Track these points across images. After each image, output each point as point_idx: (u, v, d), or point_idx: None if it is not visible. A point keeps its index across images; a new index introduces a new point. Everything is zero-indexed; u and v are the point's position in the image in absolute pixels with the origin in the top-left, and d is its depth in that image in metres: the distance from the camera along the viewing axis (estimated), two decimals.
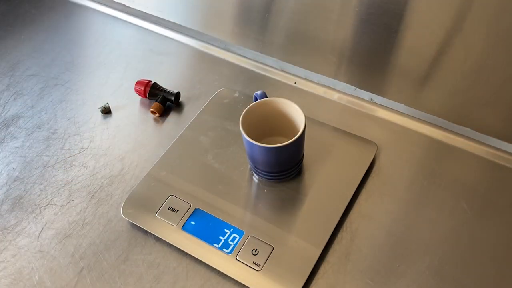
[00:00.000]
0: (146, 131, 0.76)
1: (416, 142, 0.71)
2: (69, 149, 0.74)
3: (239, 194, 0.65)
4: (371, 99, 0.76)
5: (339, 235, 0.62)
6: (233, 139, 0.71)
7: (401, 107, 0.73)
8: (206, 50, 0.87)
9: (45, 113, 0.79)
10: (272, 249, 0.60)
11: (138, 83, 0.79)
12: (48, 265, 0.62)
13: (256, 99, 0.66)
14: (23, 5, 0.99)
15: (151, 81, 0.79)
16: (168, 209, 0.64)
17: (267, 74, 0.82)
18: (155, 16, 0.91)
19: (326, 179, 0.66)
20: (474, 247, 0.60)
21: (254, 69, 0.83)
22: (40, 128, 0.77)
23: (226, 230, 0.61)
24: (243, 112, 0.62)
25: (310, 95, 0.78)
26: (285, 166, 0.63)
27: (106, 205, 0.67)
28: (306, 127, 0.60)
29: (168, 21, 0.90)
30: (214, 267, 0.59)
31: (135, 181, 0.69)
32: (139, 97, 0.80)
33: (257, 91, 0.67)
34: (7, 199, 0.69)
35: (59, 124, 0.78)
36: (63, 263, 0.62)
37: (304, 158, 0.67)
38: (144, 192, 0.66)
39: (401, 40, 0.66)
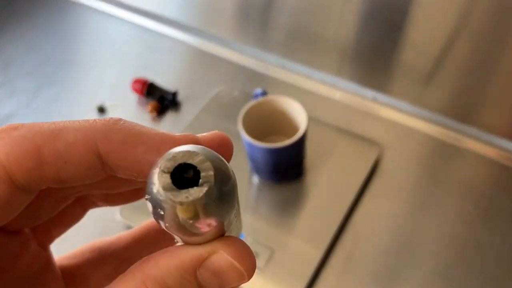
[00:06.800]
0: None
1: (421, 142, 0.70)
2: None
3: (239, 195, 0.64)
4: (375, 98, 0.75)
5: (342, 238, 0.61)
6: (233, 139, 0.69)
7: (405, 106, 0.72)
8: (205, 48, 0.86)
9: (40, 112, 0.78)
10: (272, 251, 0.59)
11: (135, 81, 0.78)
12: None
13: (256, 98, 0.66)
14: (17, 1, 0.97)
15: (149, 80, 0.78)
16: None
17: (267, 72, 0.81)
18: (152, 13, 0.90)
19: (329, 180, 0.65)
20: (481, 250, 0.59)
21: (255, 67, 0.82)
22: None
23: None
24: (243, 111, 0.60)
25: (312, 94, 0.77)
26: (286, 167, 0.63)
27: (104, 207, 0.66)
28: (308, 127, 0.59)
29: (166, 17, 0.89)
30: None
31: None
32: (136, 95, 0.79)
33: (257, 89, 0.66)
34: None
35: None
36: None
37: (305, 158, 0.66)
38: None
39: (405, 37, 0.66)
